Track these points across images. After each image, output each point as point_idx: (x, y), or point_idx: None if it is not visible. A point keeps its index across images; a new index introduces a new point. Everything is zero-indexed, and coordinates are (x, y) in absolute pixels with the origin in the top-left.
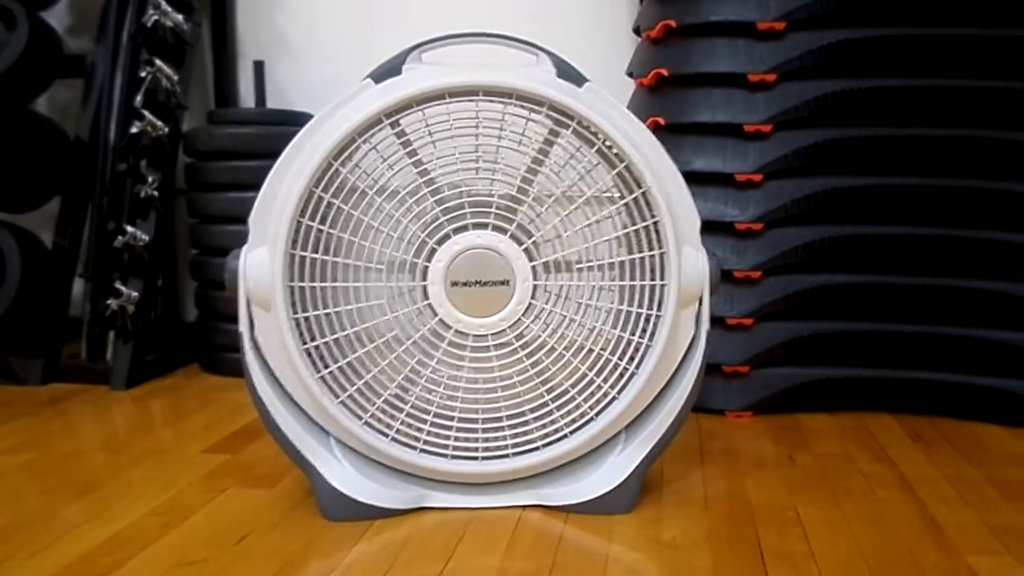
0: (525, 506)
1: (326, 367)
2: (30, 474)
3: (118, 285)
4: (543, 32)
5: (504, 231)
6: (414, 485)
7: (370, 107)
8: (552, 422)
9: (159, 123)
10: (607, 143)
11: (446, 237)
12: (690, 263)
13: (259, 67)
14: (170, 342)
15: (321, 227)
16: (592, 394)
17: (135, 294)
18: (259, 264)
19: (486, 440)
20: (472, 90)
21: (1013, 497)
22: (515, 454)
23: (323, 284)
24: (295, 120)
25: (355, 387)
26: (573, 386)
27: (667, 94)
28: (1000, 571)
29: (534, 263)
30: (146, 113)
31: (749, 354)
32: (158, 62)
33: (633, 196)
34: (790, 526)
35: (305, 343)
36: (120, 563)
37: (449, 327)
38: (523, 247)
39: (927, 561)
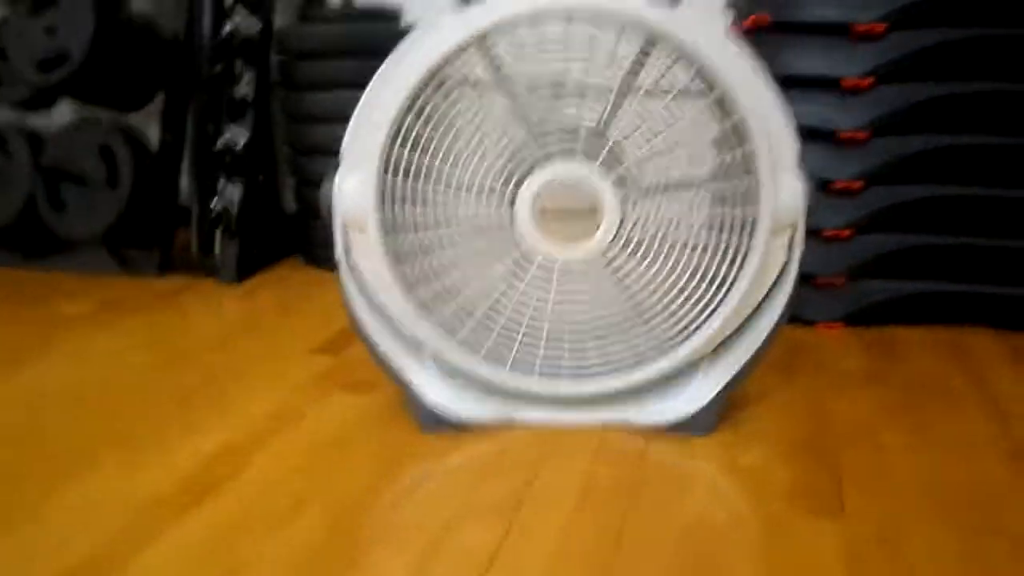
0: (608, 425)
1: (420, 289)
2: (154, 371)
3: (221, 185)
4: None
5: (593, 158)
6: (503, 402)
7: (458, 32)
8: (637, 345)
9: (252, 20)
10: (702, 67)
11: (535, 164)
12: (785, 192)
13: None
14: (273, 234)
15: (412, 153)
16: (678, 320)
17: (238, 194)
18: (353, 190)
19: (572, 360)
20: (563, 12)
21: None
22: (600, 375)
23: (414, 208)
24: (384, 17)
25: (448, 308)
26: (659, 312)
27: None
28: None
29: (623, 191)
30: (239, 10)
31: (844, 266)
32: None
33: (731, 123)
34: (872, 449)
35: (400, 265)
36: (244, 464)
37: (537, 253)
38: (612, 174)
39: (1016, 488)
